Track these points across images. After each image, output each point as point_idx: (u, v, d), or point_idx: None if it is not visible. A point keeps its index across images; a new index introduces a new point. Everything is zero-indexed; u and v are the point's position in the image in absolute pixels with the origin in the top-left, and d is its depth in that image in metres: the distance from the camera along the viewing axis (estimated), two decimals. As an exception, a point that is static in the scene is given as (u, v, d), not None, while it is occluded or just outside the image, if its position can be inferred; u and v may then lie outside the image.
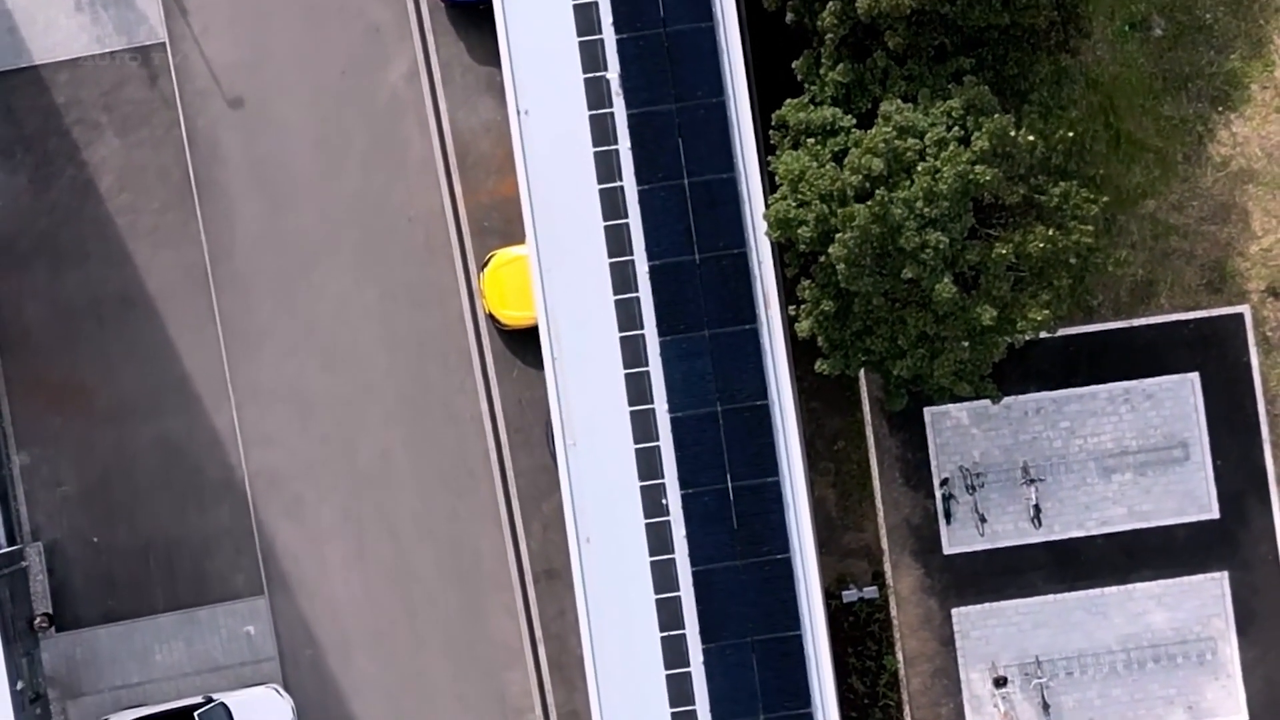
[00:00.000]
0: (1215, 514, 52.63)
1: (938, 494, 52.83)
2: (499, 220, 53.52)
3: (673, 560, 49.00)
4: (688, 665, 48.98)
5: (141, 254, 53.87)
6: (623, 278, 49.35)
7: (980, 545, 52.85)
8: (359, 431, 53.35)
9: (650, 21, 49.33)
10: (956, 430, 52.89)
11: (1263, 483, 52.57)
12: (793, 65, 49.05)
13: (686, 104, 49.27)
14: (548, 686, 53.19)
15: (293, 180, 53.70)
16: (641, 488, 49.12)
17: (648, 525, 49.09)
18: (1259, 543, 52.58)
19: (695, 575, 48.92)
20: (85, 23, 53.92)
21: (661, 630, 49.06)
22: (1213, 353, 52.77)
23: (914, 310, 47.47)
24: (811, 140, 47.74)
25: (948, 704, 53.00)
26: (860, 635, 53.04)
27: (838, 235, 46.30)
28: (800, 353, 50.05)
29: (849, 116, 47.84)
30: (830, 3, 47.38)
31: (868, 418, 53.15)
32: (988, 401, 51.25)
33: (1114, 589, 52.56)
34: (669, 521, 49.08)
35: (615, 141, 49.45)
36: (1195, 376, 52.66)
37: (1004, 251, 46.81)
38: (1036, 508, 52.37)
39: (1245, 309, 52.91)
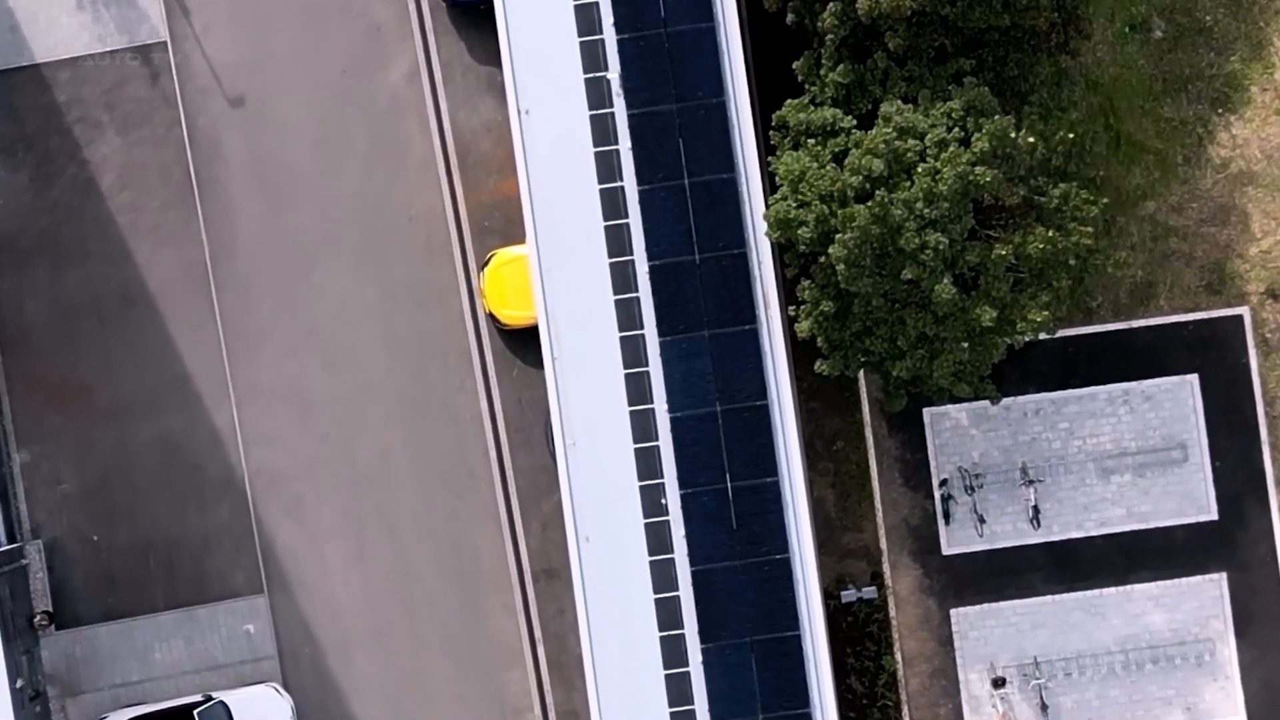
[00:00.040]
0: (1214, 515, 52.67)
1: (937, 495, 52.87)
2: (499, 220, 53.56)
3: (672, 560, 49.04)
4: (686, 665, 49.00)
5: (142, 252, 53.92)
6: (623, 278, 49.39)
7: (979, 546, 52.89)
8: (359, 431, 53.39)
9: (651, 22, 49.37)
10: (956, 431, 52.93)
11: (1261, 484, 52.61)
12: (793, 66, 49.09)
13: (687, 104, 49.30)
14: (547, 686, 53.22)
15: (293, 179, 53.74)
16: (641, 487, 49.15)
17: (647, 525, 49.12)
18: (1257, 544, 52.62)
19: (694, 575, 48.95)
20: (87, 21, 53.97)
21: (660, 630, 49.09)
22: (1212, 354, 52.80)
23: (914, 311, 47.52)
24: (812, 141, 47.78)
25: (946, 704, 53.04)
26: (859, 635, 53.08)
27: (838, 236, 46.34)
28: (800, 353, 50.09)
29: (849, 117, 47.89)
30: (831, 4, 47.42)
31: (867, 418, 53.19)
32: (987, 402, 51.31)
33: (1112, 590, 52.59)
34: (668, 521, 49.11)
35: (616, 141, 49.49)
36: (1194, 378, 52.70)
37: (1004, 253, 46.86)
38: (1035, 508, 52.42)
39: (1244, 311, 52.94)
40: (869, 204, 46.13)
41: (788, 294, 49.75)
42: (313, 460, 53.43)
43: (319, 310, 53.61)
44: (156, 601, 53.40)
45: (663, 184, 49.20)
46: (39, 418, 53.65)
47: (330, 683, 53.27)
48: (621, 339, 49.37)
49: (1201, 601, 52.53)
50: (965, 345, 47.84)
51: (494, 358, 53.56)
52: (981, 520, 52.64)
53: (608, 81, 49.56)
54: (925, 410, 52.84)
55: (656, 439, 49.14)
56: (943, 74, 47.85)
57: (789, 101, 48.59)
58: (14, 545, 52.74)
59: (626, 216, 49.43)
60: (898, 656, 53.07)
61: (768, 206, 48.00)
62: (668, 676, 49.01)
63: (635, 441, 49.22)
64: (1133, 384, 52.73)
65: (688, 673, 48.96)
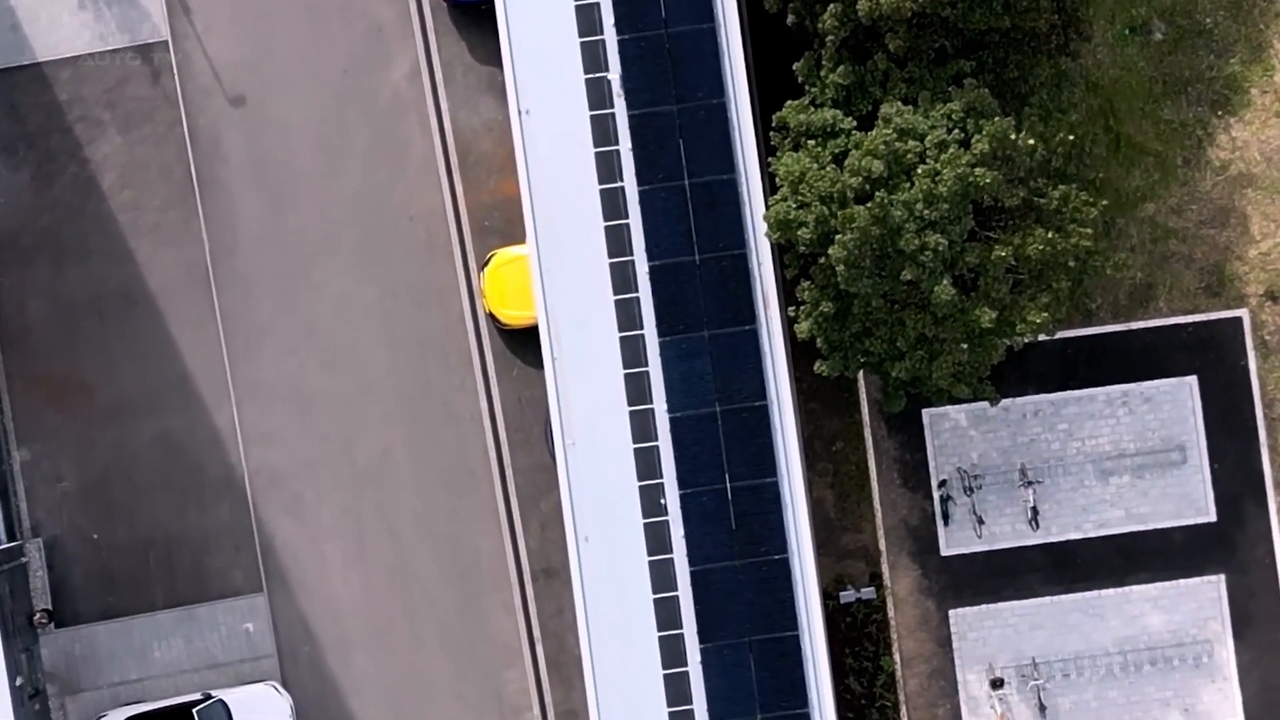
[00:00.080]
0: (1212, 517, 52.71)
1: (935, 495, 52.91)
2: (500, 220, 53.61)
3: (671, 560, 49.09)
4: (685, 665, 49.05)
5: (143, 251, 53.96)
6: (623, 278, 49.44)
7: (978, 547, 52.93)
8: (359, 430, 53.43)
9: (652, 22, 49.42)
10: (955, 432, 52.97)
11: (1260, 486, 52.65)
12: (793, 67, 49.14)
13: (687, 105, 49.35)
14: (545, 685, 53.26)
15: (294, 179, 53.79)
16: (640, 487, 49.20)
17: (646, 525, 49.17)
18: (1256, 546, 52.66)
19: (693, 575, 48.99)
20: (88, 20, 54.01)
21: (659, 630, 49.13)
22: (1211, 356, 52.84)
23: (913, 312, 47.56)
24: (812, 142, 47.83)
25: (944, 705, 53.08)
26: (857, 636, 53.12)
27: (837, 237, 46.39)
28: (799, 354, 50.13)
29: (849, 118, 47.93)
30: (831, 5, 47.47)
31: (866, 419, 53.23)
32: (986, 404, 51.37)
33: (1111, 591, 52.63)
34: (667, 521, 49.16)
35: (616, 142, 49.53)
36: (1193, 380, 52.74)
37: (1003, 254, 46.91)
38: (1034, 510, 52.46)
39: (1244, 313, 52.99)
40: (869, 205, 46.18)
41: (787, 295, 49.79)
42: (313, 459, 53.47)
43: (319, 309, 53.66)
44: (156, 600, 53.44)
45: (663, 184, 49.25)
46: (39, 416, 53.69)
47: (329, 681, 53.31)
48: (621, 339, 49.41)
49: (1200, 603, 52.57)
50: (965, 346, 47.89)
51: (494, 357, 53.60)
52: (980, 521, 52.69)
53: (608, 82, 49.61)
54: (924, 411, 52.88)
55: (656, 439, 49.19)
56: (943, 75, 47.89)
57: (789, 102, 48.63)
58: (14, 543, 52.76)
59: (626, 217, 49.47)
60: (896, 657, 53.11)
61: (768, 207, 48.05)
62: (666, 676, 49.06)
63: (635, 441, 49.27)
64: (1132, 386, 52.77)
65: (686, 672, 49.00)
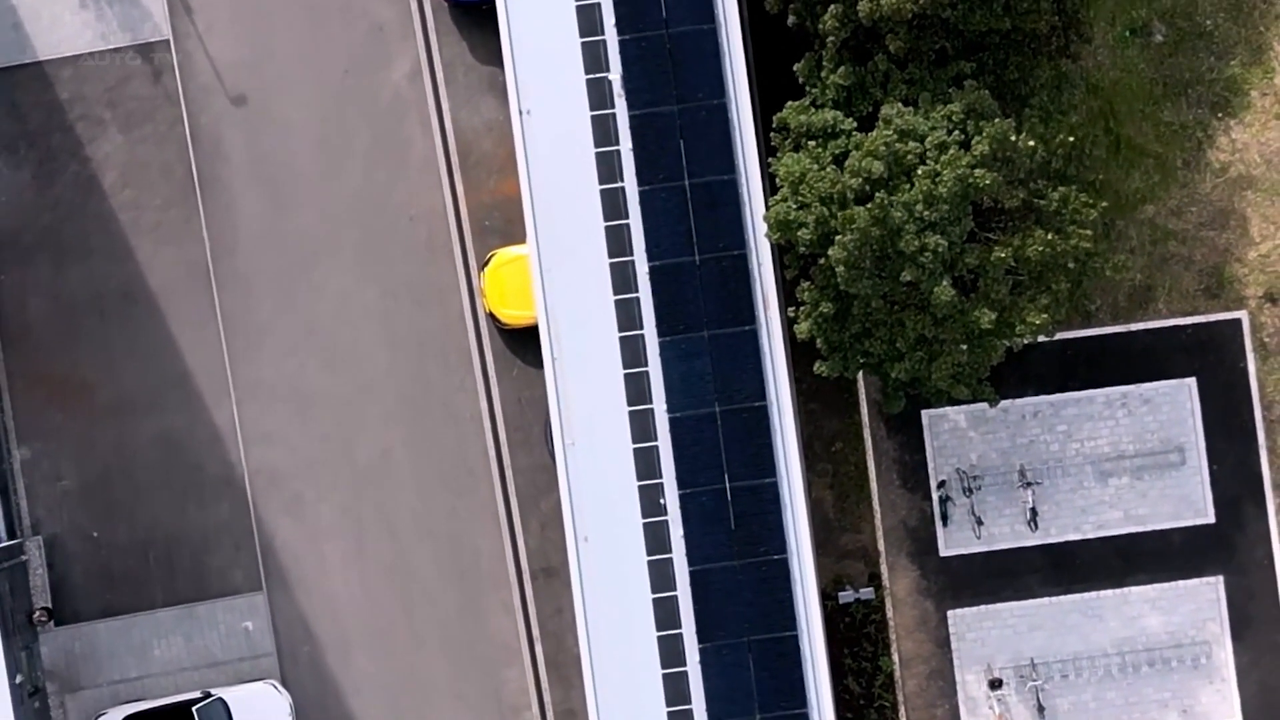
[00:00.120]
0: (1211, 519, 52.76)
1: (935, 496, 52.95)
2: (500, 220, 53.65)
3: (670, 560, 49.13)
4: (684, 665, 49.09)
5: (144, 250, 54.01)
6: (623, 278, 49.49)
7: (977, 548, 52.98)
8: (359, 429, 53.48)
9: (652, 23, 49.48)
10: (954, 433, 53.02)
11: (1258, 488, 52.70)
12: (794, 68, 49.19)
13: (688, 105, 49.40)
14: (545, 685, 53.31)
15: (295, 178, 53.84)
16: (640, 487, 49.25)
17: (645, 525, 49.21)
18: (1254, 547, 52.70)
19: (692, 575, 49.04)
20: (90, 19, 54.07)
21: (658, 629, 49.18)
22: (1210, 358, 52.88)
23: (913, 313, 47.61)
24: (812, 143, 47.89)
25: (943, 705, 53.13)
26: (856, 636, 53.18)
27: (837, 238, 46.44)
28: (799, 354, 50.18)
29: (850, 119, 47.98)
30: (832, 6, 47.52)
31: (865, 420, 53.28)
32: (985, 405, 51.44)
33: (1109, 592, 52.68)
34: (667, 521, 49.21)
35: (617, 142, 49.59)
36: (1192, 382, 52.79)
37: (1003, 255, 46.96)
38: (1033, 511, 52.51)
39: (1243, 315, 53.03)
40: (869, 206, 46.23)
41: (787, 295, 49.84)
42: (312, 458, 53.52)
43: (319, 309, 53.71)
44: (156, 598, 53.49)
45: (663, 185, 49.30)
46: (40, 414, 53.74)
47: (329, 680, 53.36)
48: (621, 339, 49.46)
49: (1198, 604, 52.62)
50: (964, 347, 47.93)
51: (494, 357, 53.65)
52: (979, 522, 52.74)
53: (609, 82, 49.66)
54: (924, 412, 52.93)
55: (655, 439, 49.24)
56: (943, 77, 47.94)
57: (790, 103, 48.68)
58: (14, 541, 52.82)
59: (627, 217, 49.53)
60: (895, 657, 53.16)
61: (768, 208, 48.09)
62: (665, 676, 49.10)
63: (634, 441, 49.32)
64: (1131, 387, 52.81)
65: (685, 672, 49.05)
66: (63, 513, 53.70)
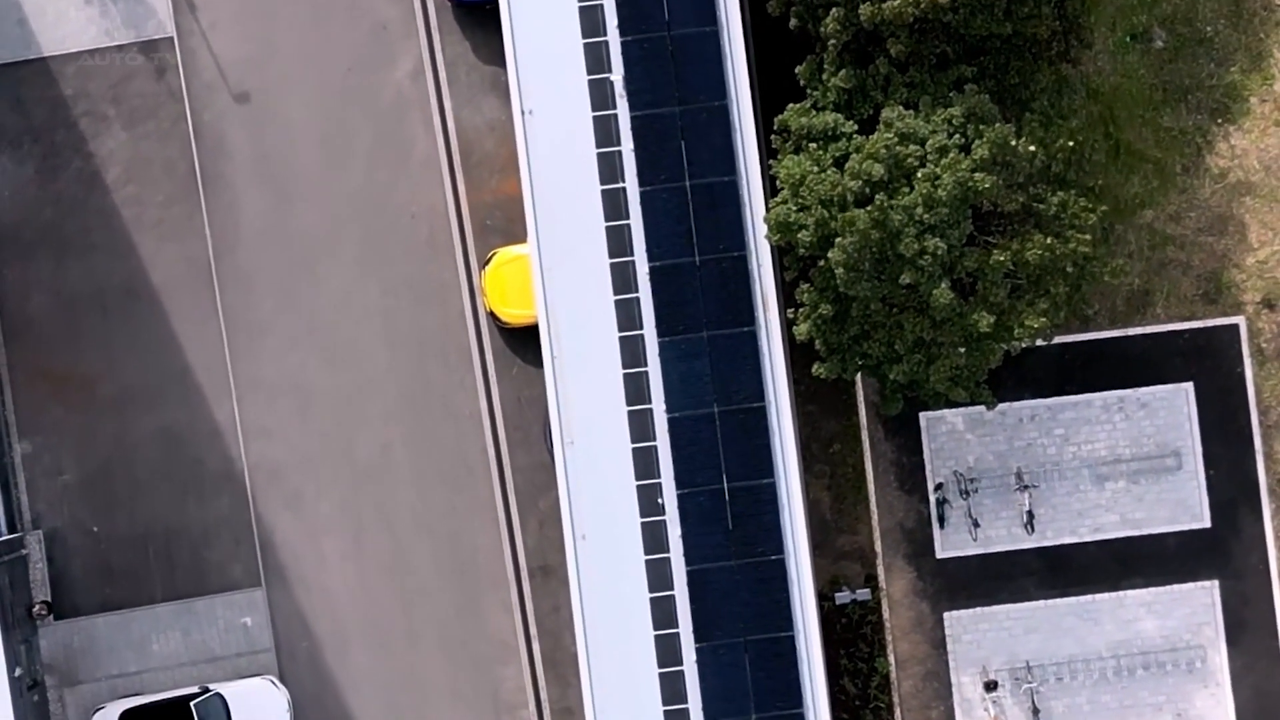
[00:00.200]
0: (1207, 523, 52.85)
1: (932, 498, 53.02)
2: (501, 219, 53.73)
3: (667, 559, 49.22)
4: (681, 664, 49.18)
5: (146, 246, 54.10)
6: (623, 278, 49.58)
7: (973, 550, 53.07)
8: (359, 426, 53.57)
9: (655, 24, 49.57)
10: (951, 435, 53.11)
11: (1254, 493, 52.79)
12: (795, 70, 49.28)
13: (689, 107, 49.49)
14: (541, 683, 53.37)
15: (297, 176, 53.93)
16: (638, 487, 49.34)
17: (643, 524, 49.30)
18: (1250, 552, 52.80)
19: (690, 574, 49.13)
20: (94, 16, 54.17)
21: (655, 629, 49.26)
22: (1207, 363, 52.98)
23: (911, 316, 47.71)
24: (813, 145, 47.99)
25: (938, 707, 53.22)
26: (852, 637, 53.26)
27: (837, 240, 46.54)
28: (798, 356, 50.27)
29: (850, 122, 48.08)
30: (834, 9, 47.61)
31: (863, 421, 53.37)
32: (983, 407, 51.53)
33: (1105, 596, 52.77)
34: (664, 521, 49.30)
35: (618, 143, 49.68)
36: (1189, 386, 52.88)
37: (1002, 259, 47.06)
38: (1029, 513, 52.59)
39: (1240, 320, 53.13)
40: (869, 209, 46.33)
41: (787, 297, 49.95)
42: (312, 455, 53.62)
43: (321, 306, 53.80)
44: (155, 593, 53.57)
45: (664, 185, 49.40)
46: (41, 408, 53.83)
47: (327, 676, 53.44)
48: (621, 339, 49.55)
49: (1193, 608, 52.72)
50: (962, 350, 48.03)
51: (494, 356, 53.73)
52: (976, 524, 52.82)
53: (611, 83, 49.75)
54: (921, 414, 53.01)
55: (654, 439, 49.34)
56: (944, 80, 48.01)
57: (791, 106, 48.78)
58: (14, 535, 52.90)
59: (627, 217, 49.62)
60: (891, 659, 53.24)
61: (768, 209, 48.19)
62: (662, 675, 49.17)
63: (633, 441, 49.41)
64: (1128, 391, 52.91)
65: (682, 671, 49.14)
66: (63, 507, 53.80)
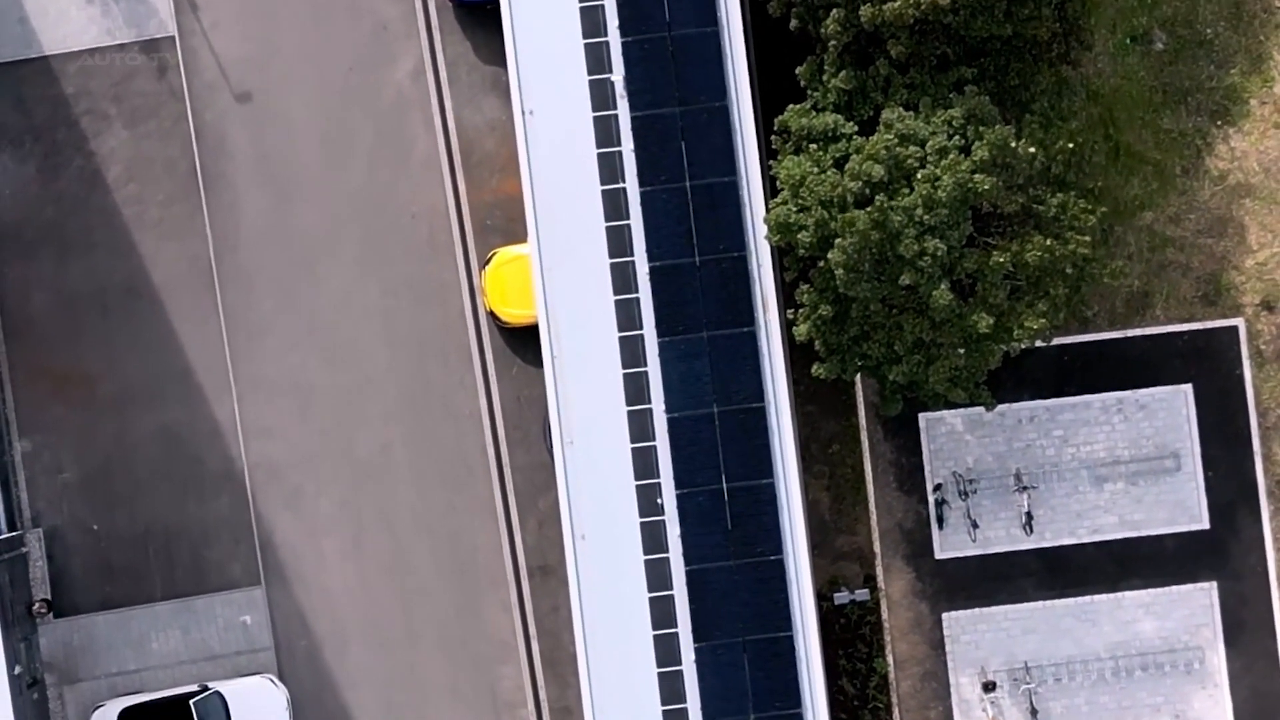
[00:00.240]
0: (1205, 524, 52.90)
1: (931, 499, 53.07)
2: (501, 219, 53.78)
3: (667, 559, 49.27)
4: (680, 664, 49.22)
5: (147, 245, 54.16)
6: (623, 278, 49.64)
7: (972, 551, 53.11)
8: (359, 425, 53.62)
9: (655, 25, 49.62)
10: (950, 436, 53.16)
11: (1253, 494, 52.85)
12: (796, 71, 49.32)
13: (690, 107, 49.54)
14: (540, 682, 53.42)
15: (298, 175, 53.98)
16: (637, 486, 49.39)
17: (643, 524, 49.34)
18: (1248, 554, 52.84)
19: (689, 574, 49.18)
20: (96, 15, 54.22)
21: (654, 628, 49.31)
22: (1206, 365, 53.02)
23: (911, 316, 47.75)
24: (813, 146, 48.04)
25: (936, 707, 53.26)
26: (851, 638, 53.30)
27: (837, 241, 46.59)
28: (797, 356, 50.32)
29: (851, 123, 48.12)
30: (834, 10, 47.66)
31: (863, 422, 53.42)
32: (982, 408, 51.56)
33: (1104, 597, 52.82)
34: (664, 521, 49.35)
35: (618, 143, 49.73)
36: (1188, 388, 52.93)
37: (1001, 260, 47.11)
38: (1028, 514, 52.64)
39: (1239, 322, 53.17)
40: (869, 209, 46.38)
41: (786, 297, 50.00)
42: (312, 454, 53.67)
43: (321, 305, 53.85)
44: (154, 591, 53.61)
45: (664, 186, 49.45)
46: (41, 407, 53.88)
47: (325, 675, 53.49)
48: (621, 339, 49.60)
49: (1192, 610, 52.77)
50: (961, 351, 48.07)
51: (494, 355, 53.78)
52: (975, 525, 52.87)
53: (611, 83, 49.81)
54: (921, 415, 53.05)
55: (654, 439, 49.39)
56: (944, 82, 48.06)
57: (791, 106, 48.83)
58: (14, 533, 52.95)
59: (628, 217, 49.67)
60: (889, 659, 53.28)
61: (768, 210, 48.24)
62: (661, 675, 49.21)
63: (632, 441, 49.46)
64: (1127, 393, 52.96)
65: (680, 671, 49.19)
66: (63, 505, 53.85)
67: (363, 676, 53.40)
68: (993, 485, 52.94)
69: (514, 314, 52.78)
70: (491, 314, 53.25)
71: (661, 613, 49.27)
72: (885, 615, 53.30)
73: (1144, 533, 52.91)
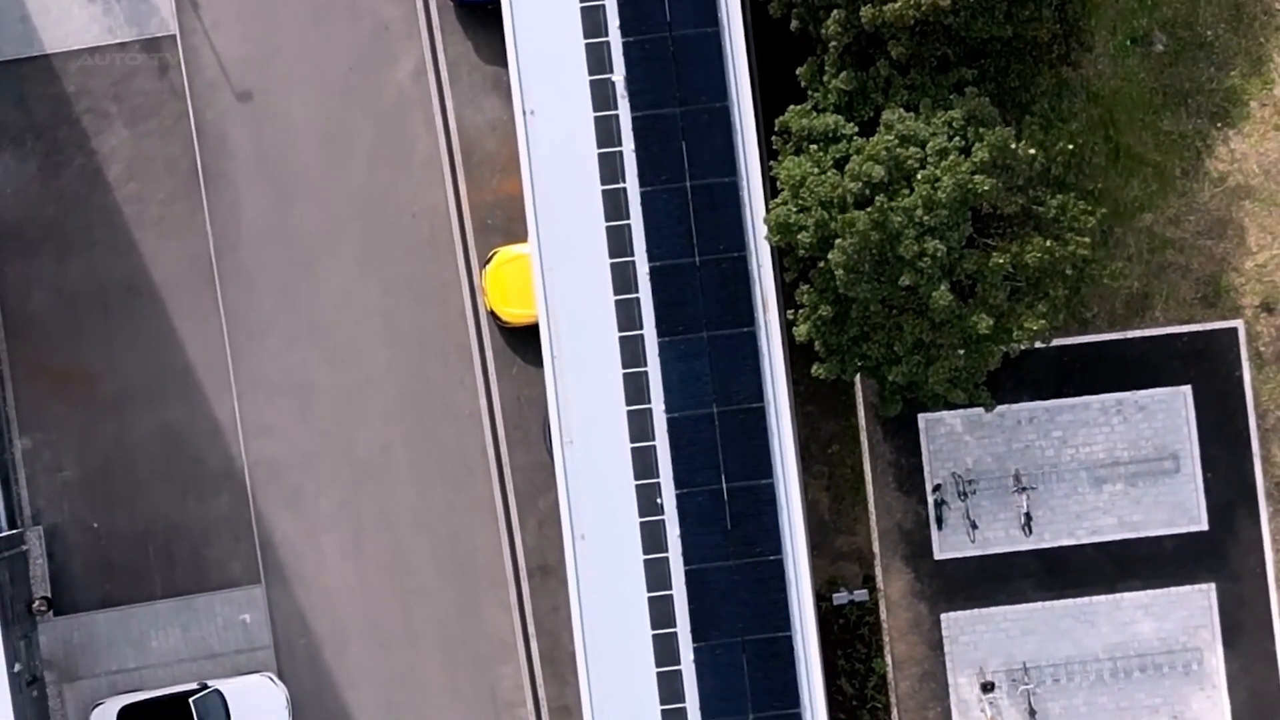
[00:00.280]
0: (1204, 526, 52.94)
1: (930, 500, 53.11)
2: (502, 218, 53.82)
3: (666, 559, 49.31)
4: (678, 663, 49.27)
5: (147, 244, 54.20)
6: (623, 278, 49.68)
7: (971, 551, 53.15)
8: (359, 425, 53.66)
9: (656, 25, 49.66)
10: (950, 437, 53.20)
11: (1252, 496, 52.89)
12: (796, 72, 49.36)
13: (690, 108, 49.59)
14: (539, 681, 53.45)
15: (299, 174, 54.02)
16: (637, 486, 49.43)
17: (642, 524, 49.38)
18: (1247, 555, 52.89)
19: (688, 574, 49.21)
20: (97, 13, 54.27)
21: (653, 628, 49.35)
22: (1205, 366, 53.06)
23: (911, 317, 47.79)
24: (814, 146, 48.08)
25: (935, 708, 53.31)
26: (850, 638, 53.34)
27: (837, 241, 46.63)
28: (797, 357, 50.36)
29: (851, 124, 48.16)
30: (835, 11, 47.70)
31: (862, 422, 53.45)
32: (981, 409, 51.60)
33: (1102, 598, 52.86)
34: (663, 521, 49.39)
35: (619, 143, 49.77)
36: (1188, 389, 52.96)
37: (1001, 261, 47.15)
38: (1027, 515, 52.68)
39: (1239, 324, 53.21)
40: (869, 210, 46.43)
41: (786, 298, 50.04)
42: (312, 453, 53.71)
43: (321, 304, 53.89)
44: (154, 589, 53.66)
45: (665, 186, 49.49)
46: (42, 405, 53.92)
47: (325, 674, 53.53)
48: (621, 339, 49.65)
49: (1190, 611, 52.82)
50: (961, 352, 48.10)
51: (494, 355, 53.82)
52: (974, 526, 52.91)
53: (612, 84, 49.85)
54: (920, 416, 53.09)
55: (653, 439, 49.42)
56: (944, 83, 48.10)
57: (791, 107, 48.87)
58: (14, 531, 52.99)
59: (628, 217, 49.72)
60: (888, 659, 53.32)
61: (768, 210, 48.28)
62: (660, 674, 49.26)
63: (632, 441, 49.50)
64: (1126, 394, 53.00)
65: (679, 671, 49.23)
66: (63, 503, 53.89)
67: (362, 675, 53.44)
68: (992, 486, 52.98)
69: (514, 314, 52.82)
70: (492, 313, 53.29)
71: (661, 612, 49.31)
72: (884, 615, 53.34)
73: (1143, 534, 52.96)
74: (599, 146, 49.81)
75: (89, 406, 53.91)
